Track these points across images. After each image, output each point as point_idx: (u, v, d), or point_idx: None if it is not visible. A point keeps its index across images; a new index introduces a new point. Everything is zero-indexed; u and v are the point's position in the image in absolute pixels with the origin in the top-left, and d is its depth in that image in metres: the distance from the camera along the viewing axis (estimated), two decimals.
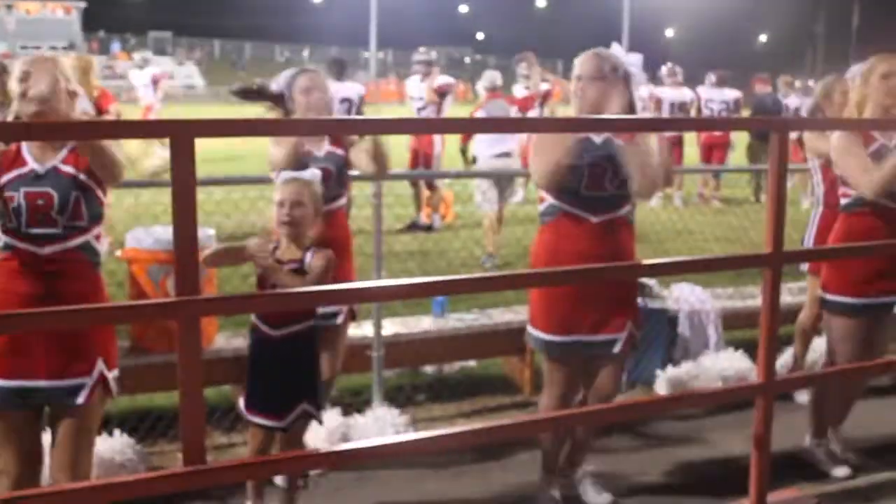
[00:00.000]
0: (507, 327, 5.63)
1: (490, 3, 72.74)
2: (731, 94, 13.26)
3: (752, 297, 6.38)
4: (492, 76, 10.05)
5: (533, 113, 10.38)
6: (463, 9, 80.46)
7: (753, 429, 3.19)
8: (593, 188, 3.73)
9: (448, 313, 5.70)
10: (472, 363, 6.00)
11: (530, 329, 3.95)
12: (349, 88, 10.32)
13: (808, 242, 5.35)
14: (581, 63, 3.81)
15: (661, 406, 3.86)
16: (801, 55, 70.60)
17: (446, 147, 11.08)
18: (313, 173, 3.72)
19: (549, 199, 3.83)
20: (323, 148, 4.34)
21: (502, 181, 9.19)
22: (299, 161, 4.09)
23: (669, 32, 79.50)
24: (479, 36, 67.87)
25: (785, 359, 5.72)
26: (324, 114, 4.29)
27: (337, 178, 4.33)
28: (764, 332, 3.10)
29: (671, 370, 5.63)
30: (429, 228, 10.82)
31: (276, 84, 4.37)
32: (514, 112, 9.98)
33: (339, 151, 4.37)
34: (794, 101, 13.39)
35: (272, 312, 3.49)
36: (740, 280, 6.90)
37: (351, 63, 13.73)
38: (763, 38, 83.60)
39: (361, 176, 4.59)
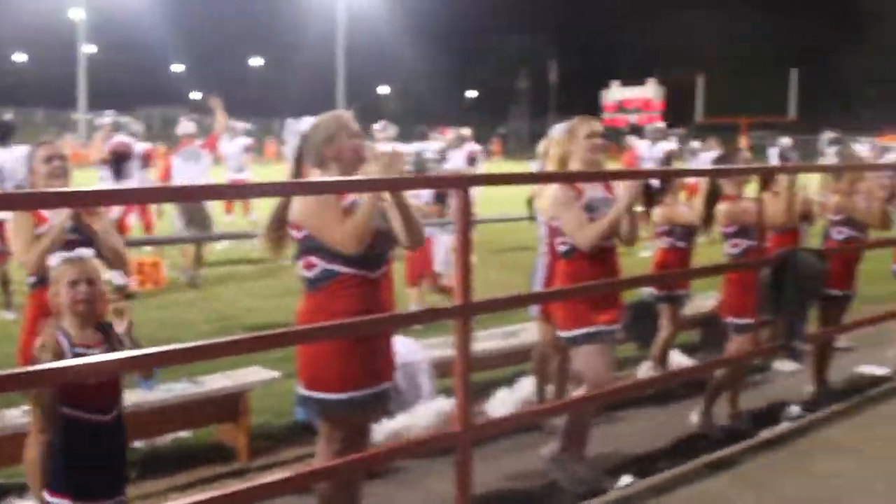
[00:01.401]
0: (220, 394, 5.47)
1: (204, 62, 71.80)
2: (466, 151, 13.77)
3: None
4: (185, 125, 11.56)
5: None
6: (177, 68, 78.85)
7: (455, 473, 3.25)
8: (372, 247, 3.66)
9: (157, 384, 5.46)
10: (185, 433, 5.77)
11: (310, 393, 3.81)
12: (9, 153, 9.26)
13: (537, 286, 5.63)
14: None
15: (371, 461, 3.85)
16: (505, 108, 74.70)
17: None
18: (87, 251, 3.50)
19: (329, 265, 3.64)
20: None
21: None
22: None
23: (384, 89, 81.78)
24: (195, 95, 66.66)
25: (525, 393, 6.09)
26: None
27: None
28: (459, 381, 3.18)
29: (386, 423, 5.67)
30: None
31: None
32: (205, 155, 11.47)
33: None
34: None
35: (97, 396, 3.21)
36: (449, 329, 7.13)
37: (61, 124, 13.77)
38: (472, 94, 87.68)
39: None
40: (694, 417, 5.94)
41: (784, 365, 7.43)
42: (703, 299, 7.95)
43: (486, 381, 6.71)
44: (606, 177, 4.63)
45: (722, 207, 5.73)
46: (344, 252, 3.43)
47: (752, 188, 6.01)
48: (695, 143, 18.50)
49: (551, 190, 4.56)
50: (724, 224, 5.73)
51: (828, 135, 7.50)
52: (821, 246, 6.41)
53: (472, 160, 12.94)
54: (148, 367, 3.25)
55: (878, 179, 7.18)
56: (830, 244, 6.41)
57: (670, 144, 15.82)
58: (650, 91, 44.49)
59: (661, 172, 6.68)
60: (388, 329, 3.71)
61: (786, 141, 19.23)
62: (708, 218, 5.84)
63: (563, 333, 4.65)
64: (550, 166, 4.84)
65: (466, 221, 3.13)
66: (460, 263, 3.11)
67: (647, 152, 15.46)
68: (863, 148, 20.99)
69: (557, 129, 4.88)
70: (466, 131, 13.47)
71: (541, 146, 5.91)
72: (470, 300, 3.12)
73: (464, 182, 3.25)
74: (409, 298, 8.70)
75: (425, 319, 3.55)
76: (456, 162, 12.75)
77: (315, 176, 3.70)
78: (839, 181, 6.39)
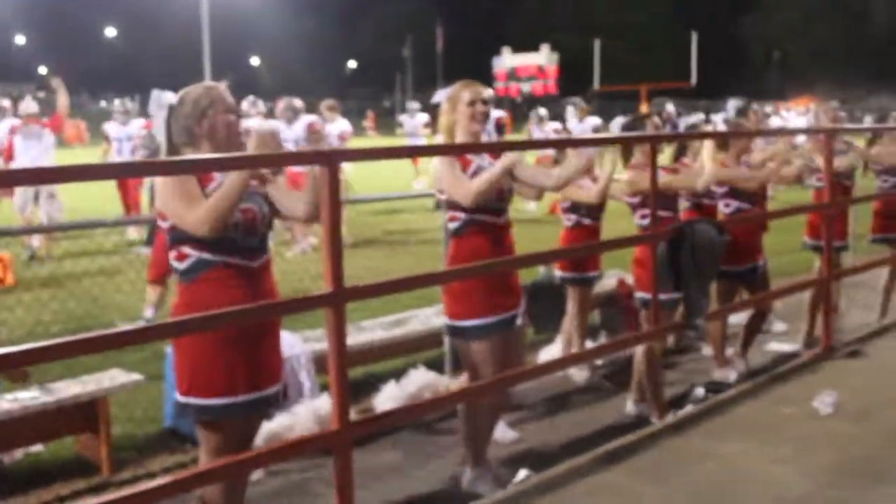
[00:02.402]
0: (76, 402, 5.33)
1: (51, 33, 69.54)
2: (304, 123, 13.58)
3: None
4: (28, 104, 12.18)
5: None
6: (20, 41, 76.28)
7: (335, 477, 3.24)
8: (247, 233, 3.56)
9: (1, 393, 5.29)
10: (38, 448, 5.60)
11: (189, 398, 3.66)
12: None
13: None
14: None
15: (245, 466, 3.79)
16: (390, 78, 74.55)
17: None
18: None
19: (201, 254, 3.52)
20: None
21: None
22: None
23: (255, 60, 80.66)
24: (43, 70, 64.47)
25: None
26: None
27: None
28: (334, 376, 3.15)
29: (265, 425, 5.60)
30: None
31: None
32: (47, 134, 12.05)
33: None
34: (342, 126, 13.98)
35: None
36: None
37: None
38: (352, 64, 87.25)
39: None
40: (629, 405, 6.12)
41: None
42: (604, 278, 8.10)
43: (376, 373, 6.74)
44: (487, 148, 4.65)
45: (627, 176, 5.83)
46: (198, 236, 3.34)
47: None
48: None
49: (434, 164, 4.56)
50: (630, 194, 5.83)
51: (733, 103, 7.64)
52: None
53: (312, 132, 12.70)
54: None
55: (763, 151, 7.41)
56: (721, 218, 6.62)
57: (596, 119, 16.13)
58: (543, 58, 45.06)
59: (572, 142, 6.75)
60: (275, 325, 3.64)
61: (670, 108, 19.68)
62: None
63: (451, 322, 4.66)
64: (443, 138, 4.83)
65: (335, 200, 3.10)
66: (330, 246, 3.08)
67: (577, 128, 15.68)
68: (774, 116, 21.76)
69: (438, 96, 4.87)
70: (299, 102, 13.25)
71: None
72: (341, 286, 3.09)
73: (331, 157, 3.22)
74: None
75: (295, 308, 3.50)
76: (292, 135, 12.64)
77: (188, 155, 3.59)
78: (724, 152, 6.57)
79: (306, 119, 12.92)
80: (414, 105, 19.32)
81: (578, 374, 6.95)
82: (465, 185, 4.44)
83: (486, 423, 4.89)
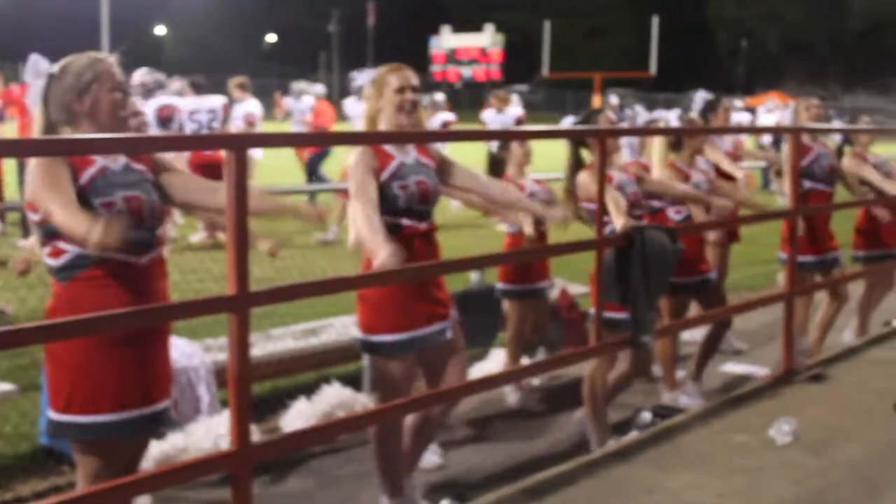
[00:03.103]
0: None
1: None
2: (217, 101, 13.48)
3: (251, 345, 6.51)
4: None
5: None
6: None
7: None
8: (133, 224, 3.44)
9: None
10: None
11: (64, 416, 3.58)
12: None
13: None
14: None
15: (141, 487, 3.75)
16: (314, 56, 74.26)
17: None
18: None
19: (74, 249, 3.45)
20: None
21: None
22: None
23: (160, 30, 79.82)
24: None
25: None
26: None
27: None
28: (233, 390, 3.13)
29: (155, 446, 5.55)
30: None
31: None
32: None
33: None
34: (251, 107, 13.94)
35: None
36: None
37: None
38: (272, 38, 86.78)
39: None
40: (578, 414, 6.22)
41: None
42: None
43: (285, 388, 6.71)
44: (411, 138, 4.65)
45: (583, 178, 5.84)
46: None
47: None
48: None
49: (350, 162, 4.54)
50: (586, 198, 5.81)
51: (701, 95, 7.67)
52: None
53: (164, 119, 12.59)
54: None
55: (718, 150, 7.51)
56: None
57: (518, 109, 16.16)
58: (487, 39, 45.24)
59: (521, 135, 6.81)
60: (165, 331, 3.60)
61: (614, 99, 19.85)
62: (570, 195, 5.94)
63: (364, 336, 4.66)
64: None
65: (241, 191, 3.08)
66: (234, 243, 3.06)
67: (493, 119, 15.75)
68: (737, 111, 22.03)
69: (363, 79, 4.84)
70: (160, 76, 13.08)
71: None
72: (246, 289, 3.08)
73: (239, 143, 3.21)
74: None
75: (192, 312, 3.47)
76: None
77: (66, 135, 3.53)
78: (677, 152, 6.66)
79: (163, 99, 12.67)
80: (300, 85, 18.26)
81: (511, 395, 6.99)
82: (356, 207, 4.41)
83: (403, 447, 4.89)
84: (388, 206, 4.50)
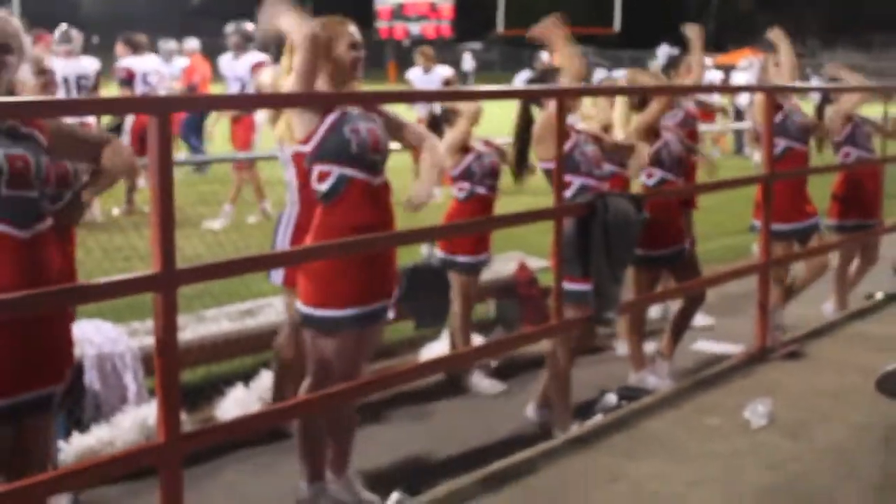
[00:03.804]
0: None
1: None
2: (91, 64, 13.25)
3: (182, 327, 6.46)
4: None
5: None
6: None
7: (159, 501, 3.20)
8: (15, 187, 3.43)
9: None
10: None
11: None
12: None
13: (282, 246, 5.54)
14: None
15: (59, 484, 3.71)
16: (249, 13, 73.73)
17: None
18: None
19: None
20: None
21: None
22: None
23: None
24: None
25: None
26: None
27: None
28: (160, 377, 3.11)
29: (78, 440, 5.51)
30: None
31: None
32: None
33: None
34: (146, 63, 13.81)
35: None
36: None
37: None
38: None
39: None
40: (530, 411, 6.23)
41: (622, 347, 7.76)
42: (501, 262, 8.16)
43: (222, 374, 6.68)
44: (358, 98, 4.63)
45: (540, 133, 5.84)
46: None
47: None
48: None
49: (287, 113, 4.51)
50: (545, 158, 5.83)
51: (665, 50, 7.70)
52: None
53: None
54: None
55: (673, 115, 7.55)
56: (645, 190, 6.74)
57: (446, 70, 15.93)
58: None
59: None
60: (59, 307, 3.53)
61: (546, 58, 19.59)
62: (520, 157, 5.94)
63: (304, 309, 4.62)
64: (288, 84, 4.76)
65: (166, 158, 3.04)
66: (159, 216, 3.03)
67: (420, 79, 15.56)
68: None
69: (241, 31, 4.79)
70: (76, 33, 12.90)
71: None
72: (172, 266, 3.05)
73: (162, 105, 3.17)
74: None
75: (113, 293, 3.41)
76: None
77: None
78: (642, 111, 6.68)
79: (252, 57, 12.64)
80: (169, 45, 17.50)
81: (487, 384, 6.99)
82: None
83: (328, 432, 4.88)
84: (339, 152, 4.47)
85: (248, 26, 12.72)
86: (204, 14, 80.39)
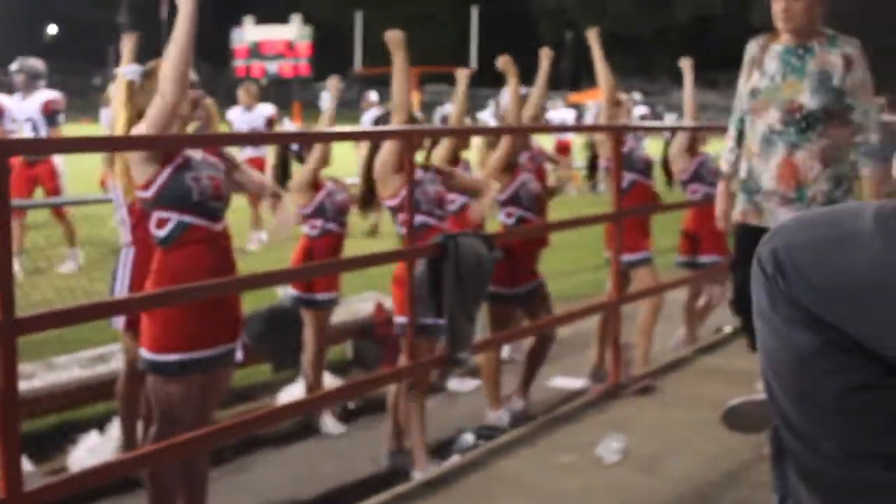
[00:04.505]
0: None
1: None
2: None
3: (30, 375, 6.31)
4: None
5: None
6: None
7: None
8: None
9: None
10: None
11: None
12: None
13: (120, 290, 5.44)
14: None
15: None
16: (102, 50, 72.63)
17: None
18: None
19: None
20: None
21: None
22: None
23: None
24: None
25: None
26: None
27: None
28: (1, 429, 3.03)
29: None
30: None
31: None
32: None
33: None
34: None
35: None
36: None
37: None
38: (53, 29, 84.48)
39: None
40: (384, 456, 6.19)
41: (462, 384, 7.79)
42: (357, 302, 8.15)
43: (75, 422, 6.53)
44: (201, 141, 4.59)
45: (382, 172, 5.87)
46: None
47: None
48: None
49: (124, 156, 4.44)
50: (387, 196, 5.86)
51: (506, 95, 7.76)
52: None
53: None
54: None
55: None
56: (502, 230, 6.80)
57: (269, 107, 15.59)
58: (294, 32, 44.95)
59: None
60: None
61: (373, 97, 19.48)
62: (367, 195, 6.01)
63: (148, 355, 4.53)
64: (118, 125, 4.68)
65: (3, 201, 2.96)
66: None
67: (240, 118, 15.11)
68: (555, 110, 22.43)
69: (131, 72, 4.70)
70: None
71: (111, 89, 5.77)
72: (11, 315, 2.97)
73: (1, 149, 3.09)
74: None
75: None
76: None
77: None
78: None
79: (42, 95, 11.97)
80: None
81: (331, 425, 6.93)
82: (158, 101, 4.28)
83: (182, 481, 4.80)
84: (180, 200, 4.40)
85: (35, 63, 12.07)
86: (56, 52, 79.12)
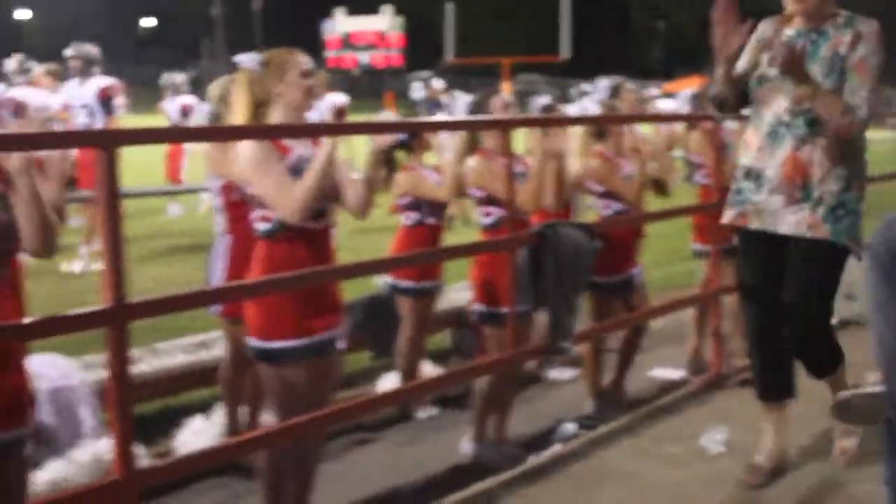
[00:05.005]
0: None
1: None
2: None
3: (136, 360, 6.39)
4: None
5: None
6: None
7: None
8: None
9: None
10: None
11: None
12: None
13: (218, 278, 5.51)
14: None
15: None
16: (196, 42, 73.48)
17: None
18: None
19: None
20: None
21: None
22: None
23: (23, 14, 78.25)
24: None
25: None
26: None
27: None
28: (114, 412, 3.06)
29: (32, 475, 5.41)
30: None
31: None
32: None
33: None
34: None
35: None
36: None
37: None
38: (149, 22, 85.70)
39: None
40: (465, 446, 6.10)
41: (562, 373, 7.73)
42: (455, 291, 8.13)
43: (178, 407, 6.60)
44: (317, 130, 4.59)
45: (471, 165, 5.86)
46: None
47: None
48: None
49: (242, 147, 4.43)
50: (474, 186, 5.87)
51: (603, 82, 7.57)
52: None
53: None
54: None
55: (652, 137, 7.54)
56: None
57: (341, 97, 15.56)
58: (385, 23, 45.04)
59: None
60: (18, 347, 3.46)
61: (438, 84, 19.13)
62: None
63: (257, 344, 4.56)
64: (237, 115, 4.69)
65: (113, 193, 2.99)
66: (109, 250, 2.98)
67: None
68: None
69: (248, 61, 4.69)
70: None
71: (215, 90, 5.77)
72: (123, 300, 3.00)
73: (109, 139, 3.12)
74: None
75: (62, 328, 3.34)
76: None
77: None
78: (601, 142, 6.67)
79: (99, 81, 12.11)
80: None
81: (423, 412, 6.96)
82: (286, 193, 4.32)
83: (293, 468, 4.83)
84: None
85: (90, 48, 12.11)
86: (152, 44, 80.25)
